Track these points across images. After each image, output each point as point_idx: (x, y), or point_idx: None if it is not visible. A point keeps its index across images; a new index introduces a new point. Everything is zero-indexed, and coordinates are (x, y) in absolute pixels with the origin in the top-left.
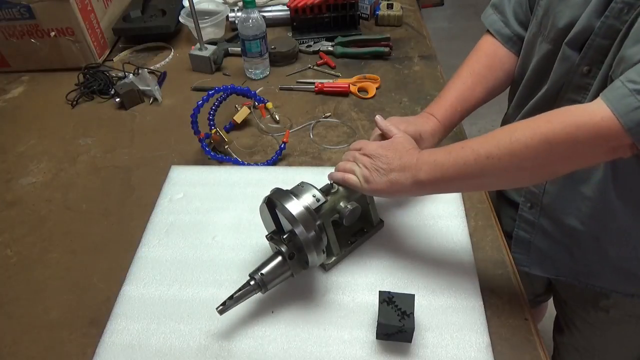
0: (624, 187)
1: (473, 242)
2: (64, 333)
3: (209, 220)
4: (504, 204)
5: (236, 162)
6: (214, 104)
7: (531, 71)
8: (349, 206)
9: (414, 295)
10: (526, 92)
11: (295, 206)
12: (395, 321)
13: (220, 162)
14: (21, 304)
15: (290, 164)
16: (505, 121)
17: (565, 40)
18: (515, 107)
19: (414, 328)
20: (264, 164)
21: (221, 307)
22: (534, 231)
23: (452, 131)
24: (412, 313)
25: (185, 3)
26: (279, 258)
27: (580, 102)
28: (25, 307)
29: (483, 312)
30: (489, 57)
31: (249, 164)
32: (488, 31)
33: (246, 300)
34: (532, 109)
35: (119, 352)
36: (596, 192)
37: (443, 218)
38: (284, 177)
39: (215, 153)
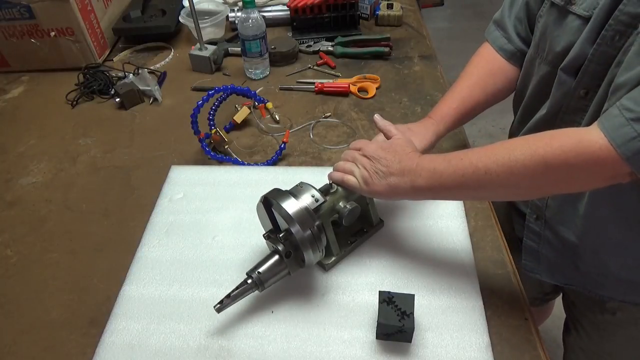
0: (615, 203)
1: (473, 242)
2: (64, 333)
3: (209, 220)
4: (514, 213)
5: (236, 162)
6: (214, 104)
7: (532, 90)
8: (348, 206)
9: (413, 295)
10: (528, 109)
11: (291, 205)
12: (395, 321)
13: (220, 162)
14: (21, 304)
15: (290, 164)
16: (512, 134)
17: (561, 66)
18: (519, 123)
19: (413, 328)
20: (264, 164)
21: (219, 305)
22: (540, 241)
23: (450, 131)
24: (412, 313)
25: (185, 3)
26: (276, 257)
27: (579, 122)
28: (25, 307)
29: (483, 312)
30: (489, 63)
31: (249, 164)
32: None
33: (246, 300)
34: (533, 127)
35: (119, 352)
36: (588, 209)
37: (443, 218)
38: (284, 177)
39: (215, 153)
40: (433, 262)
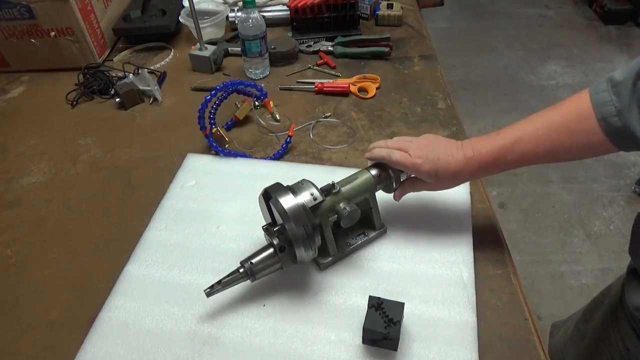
0: None
1: (473, 241)
2: (64, 333)
3: (216, 209)
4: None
5: (243, 157)
6: (215, 102)
7: None
8: (347, 208)
9: (403, 303)
10: None
11: (288, 201)
12: (381, 328)
13: (226, 157)
14: (21, 304)
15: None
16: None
17: None
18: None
19: (399, 337)
20: (270, 158)
21: (209, 289)
22: None
23: (484, 174)
24: (399, 321)
25: (185, 3)
26: (270, 250)
27: None
28: (25, 307)
29: (475, 329)
30: (579, 119)
31: (255, 159)
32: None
33: (239, 291)
34: None
35: (115, 329)
36: None
37: (448, 228)
38: (294, 173)
39: (222, 149)
40: (431, 273)
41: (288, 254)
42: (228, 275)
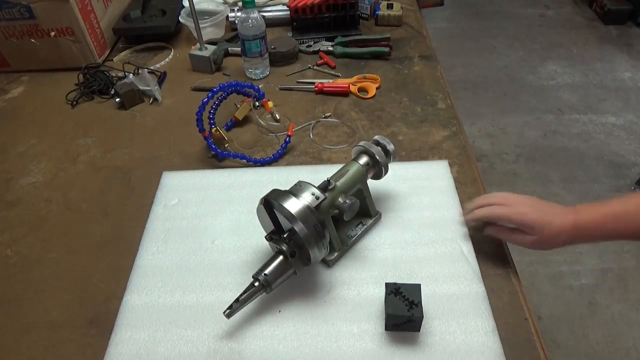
0: None
1: (472, 242)
2: (64, 333)
3: (207, 224)
4: None
5: (242, 158)
6: (215, 103)
7: None
8: (347, 201)
9: (420, 285)
10: None
11: (293, 204)
12: (404, 311)
13: (221, 160)
14: (21, 304)
15: (290, 164)
16: None
17: None
18: None
19: (422, 317)
20: (270, 159)
21: (228, 310)
22: None
23: (580, 242)
24: (420, 302)
25: (185, 3)
26: (281, 257)
27: None
28: (25, 307)
29: (486, 297)
30: None
31: (255, 160)
32: None
33: (252, 303)
34: None
35: None
36: None
37: (438, 209)
38: (278, 177)
39: (221, 150)
40: (433, 252)
41: (299, 258)
42: (244, 292)
